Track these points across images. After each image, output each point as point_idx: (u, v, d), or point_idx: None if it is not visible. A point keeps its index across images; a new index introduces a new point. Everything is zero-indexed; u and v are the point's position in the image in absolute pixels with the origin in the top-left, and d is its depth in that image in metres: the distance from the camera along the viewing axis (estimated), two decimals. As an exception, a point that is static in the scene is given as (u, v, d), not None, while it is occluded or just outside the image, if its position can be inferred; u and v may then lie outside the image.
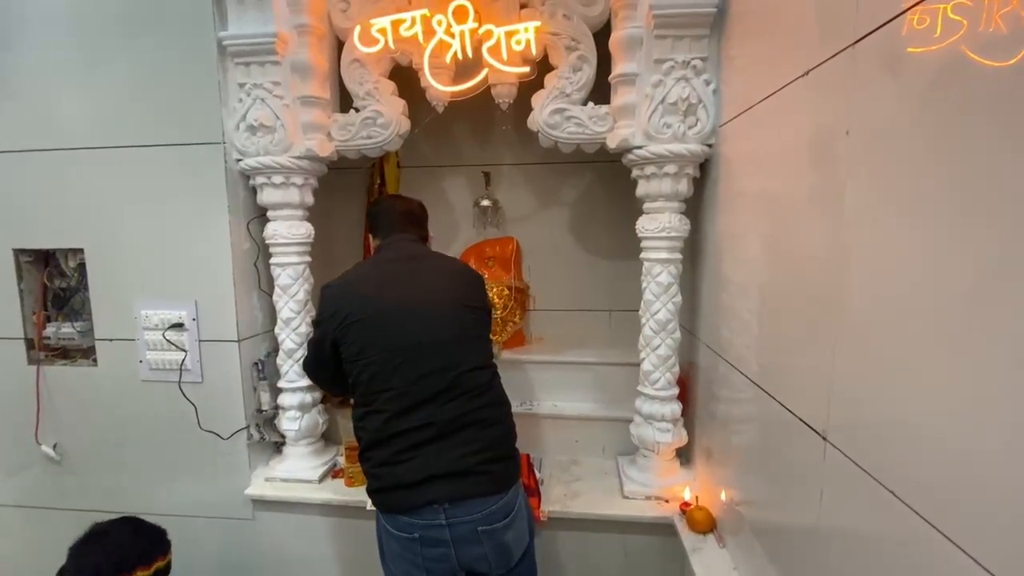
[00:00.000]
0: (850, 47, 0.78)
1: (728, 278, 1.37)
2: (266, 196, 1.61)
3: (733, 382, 1.30)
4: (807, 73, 0.91)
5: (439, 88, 1.58)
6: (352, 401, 1.32)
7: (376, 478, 1.23)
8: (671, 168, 1.45)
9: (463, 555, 1.19)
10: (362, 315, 1.26)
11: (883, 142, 0.72)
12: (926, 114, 0.64)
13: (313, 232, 1.69)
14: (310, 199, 1.68)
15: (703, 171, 1.52)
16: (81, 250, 1.68)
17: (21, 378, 1.73)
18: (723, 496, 1.38)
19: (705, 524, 1.42)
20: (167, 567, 1.33)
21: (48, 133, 1.62)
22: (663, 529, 1.52)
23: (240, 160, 1.59)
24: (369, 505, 1.32)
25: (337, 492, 1.65)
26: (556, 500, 1.59)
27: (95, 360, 1.71)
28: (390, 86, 1.62)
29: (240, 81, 1.55)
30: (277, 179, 1.58)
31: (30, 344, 1.74)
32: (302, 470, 1.70)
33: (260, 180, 1.60)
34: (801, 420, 0.93)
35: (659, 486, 1.58)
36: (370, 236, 1.52)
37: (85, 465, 1.76)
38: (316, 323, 1.39)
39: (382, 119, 1.58)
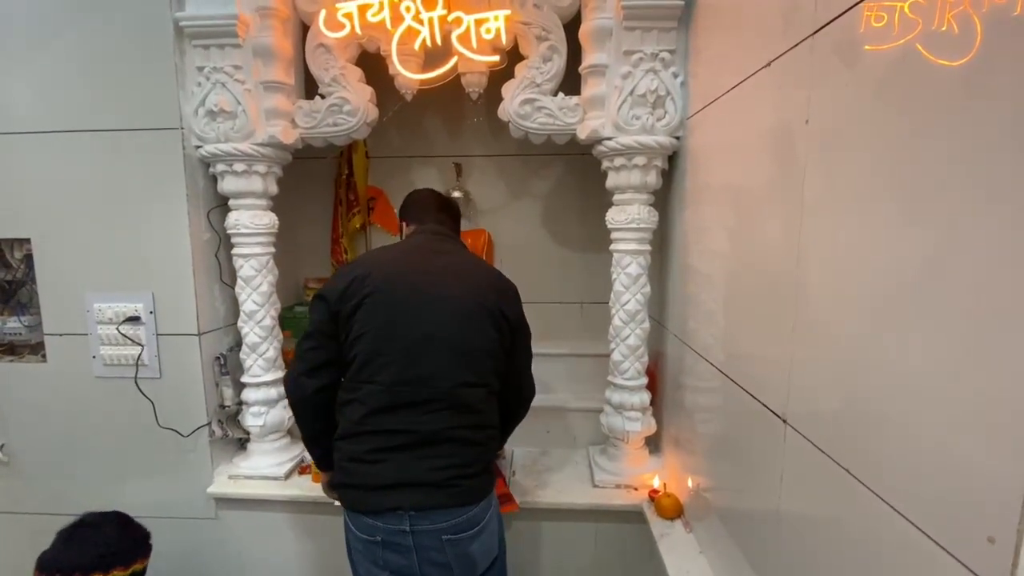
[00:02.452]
0: (809, 38, 0.80)
1: (695, 269, 1.39)
2: (227, 184, 1.56)
3: (700, 371, 1.33)
4: (769, 64, 0.93)
5: (408, 76, 1.55)
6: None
7: (344, 472, 1.18)
8: (640, 160, 1.46)
9: (424, 562, 1.14)
10: (376, 294, 1.16)
11: (840, 132, 0.74)
12: (881, 105, 0.66)
13: (277, 222, 1.64)
14: (274, 188, 1.63)
15: (671, 163, 1.54)
16: (28, 240, 1.59)
17: (-37, 376, 1.63)
18: (690, 483, 1.41)
19: (673, 510, 1.45)
20: (143, 571, 1.30)
21: (-11, 116, 1.53)
22: (632, 516, 1.54)
23: (200, 147, 1.53)
24: (337, 502, 1.29)
25: (304, 489, 1.61)
26: (527, 491, 1.60)
27: (44, 356, 1.62)
28: (357, 72, 1.58)
29: (199, 64, 1.49)
30: (239, 167, 1.53)
31: (-28, 340, 1.65)
32: (267, 467, 1.66)
33: (221, 168, 1.54)
34: (764, 405, 0.95)
35: (629, 474, 1.61)
36: (402, 223, 1.43)
37: (36, 467, 1.68)
38: (317, 296, 1.21)
39: (349, 106, 1.55)
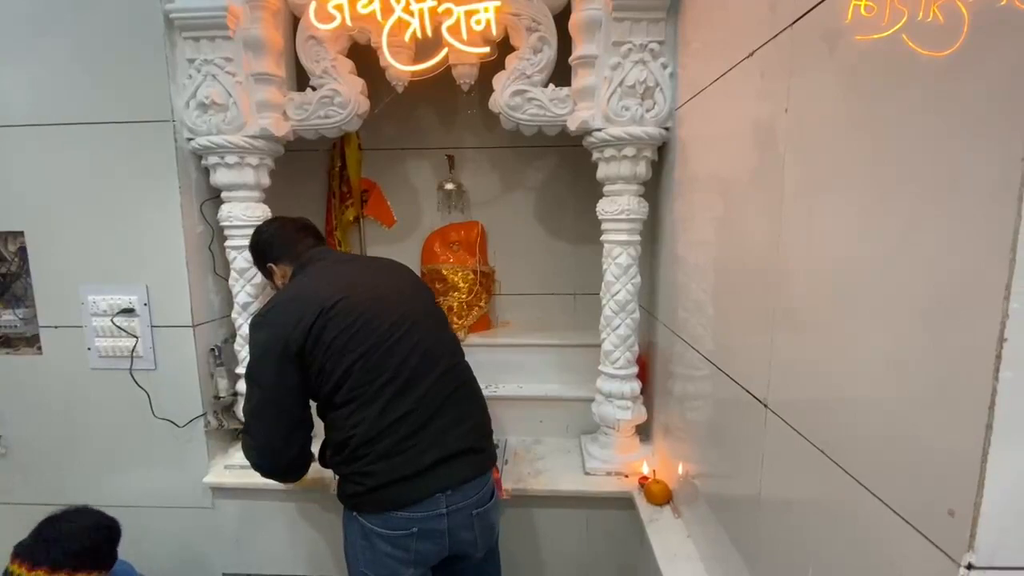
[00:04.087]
0: (790, 27, 0.81)
1: (683, 259, 1.41)
2: (219, 177, 1.57)
3: (689, 360, 1.35)
4: (752, 54, 0.94)
5: (399, 67, 1.55)
6: (322, 410, 1.23)
7: (369, 476, 1.15)
8: (630, 151, 1.47)
9: (455, 542, 1.19)
10: (337, 307, 1.16)
11: (818, 121, 0.75)
12: (858, 94, 0.67)
13: (270, 214, 1.65)
14: (266, 180, 1.64)
15: (661, 154, 1.55)
16: (21, 233, 1.59)
17: (-41, 368, 1.64)
18: (679, 469, 1.43)
19: (662, 496, 1.47)
20: None
21: (-20, 109, 1.53)
22: (623, 503, 1.57)
23: (192, 139, 1.54)
24: (333, 489, 1.31)
25: (299, 477, 1.63)
26: (520, 478, 1.62)
27: (40, 348, 1.64)
28: (348, 64, 1.59)
29: (190, 57, 1.49)
30: (231, 159, 1.54)
31: (-32, 332, 1.66)
32: (263, 456, 1.68)
33: (213, 160, 1.55)
34: (747, 391, 0.97)
35: (619, 462, 1.63)
36: (271, 267, 1.37)
37: (33, 458, 1.69)
38: (261, 357, 1.17)
39: (340, 98, 1.55)
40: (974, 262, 0.49)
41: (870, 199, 0.63)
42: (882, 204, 0.61)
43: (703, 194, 1.26)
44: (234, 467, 1.67)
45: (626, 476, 1.60)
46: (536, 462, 1.73)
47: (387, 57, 1.53)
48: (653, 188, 1.61)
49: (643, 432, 1.74)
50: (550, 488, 1.59)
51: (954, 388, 0.51)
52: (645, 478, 1.54)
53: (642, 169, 1.51)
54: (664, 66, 1.43)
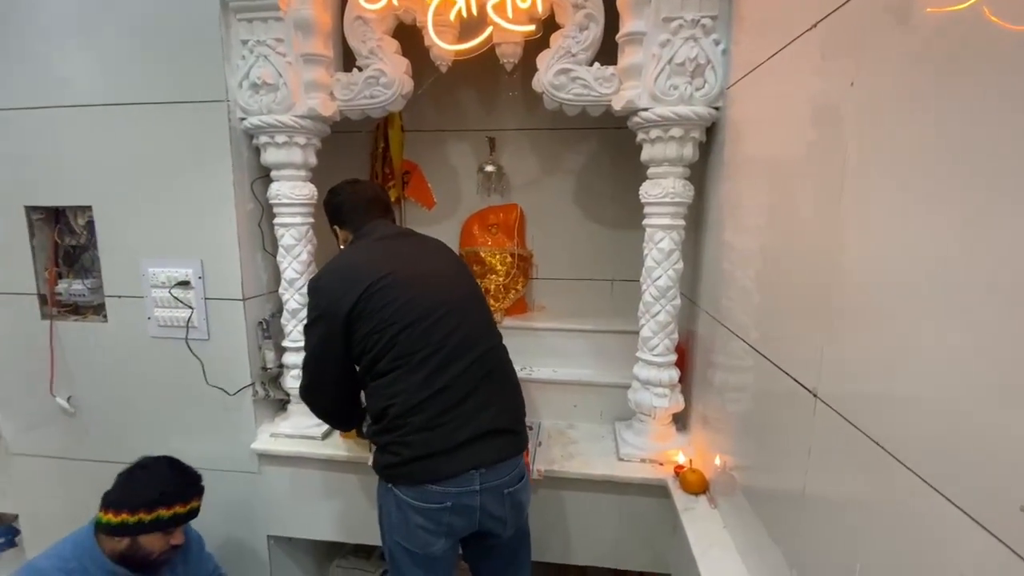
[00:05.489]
0: (859, -5, 0.76)
1: (730, 245, 1.36)
2: (269, 156, 1.62)
3: (732, 349, 1.31)
4: (815, 25, 0.88)
5: (443, 46, 1.55)
6: (365, 376, 1.28)
7: (407, 446, 1.18)
8: (676, 131, 1.42)
9: (485, 518, 1.22)
10: (383, 282, 1.23)
11: (888, 97, 0.70)
12: (936, 68, 0.62)
13: (316, 193, 1.69)
14: (313, 159, 1.68)
15: (709, 135, 1.49)
16: (89, 208, 1.70)
17: (35, 332, 1.77)
18: (717, 461, 1.40)
19: (698, 486, 1.44)
20: (198, 509, 1.42)
21: (55, 90, 1.62)
22: (656, 491, 1.55)
23: (244, 119, 1.59)
24: (370, 461, 1.35)
25: (339, 448, 1.69)
26: (553, 460, 1.63)
27: (105, 316, 1.75)
28: (393, 44, 1.60)
29: (243, 38, 1.54)
30: (280, 138, 1.58)
31: (43, 300, 1.78)
32: (306, 427, 1.75)
33: (263, 139, 1.60)
34: (794, 379, 0.93)
35: (654, 449, 1.61)
36: (336, 229, 1.47)
37: (98, 417, 1.82)
38: (316, 319, 1.28)
39: (385, 78, 1.56)
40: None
41: (941, 184, 0.59)
42: (954, 190, 0.57)
43: (754, 177, 1.21)
44: (279, 435, 1.75)
45: (661, 464, 1.58)
46: (569, 445, 1.73)
47: (432, 36, 1.53)
48: (699, 171, 1.56)
49: (679, 421, 1.71)
50: (583, 472, 1.58)
51: (1031, 379, 0.47)
52: (681, 467, 1.52)
53: (689, 151, 1.46)
54: (716, 42, 1.37)
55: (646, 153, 1.51)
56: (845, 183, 0.79)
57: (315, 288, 1.30)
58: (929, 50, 0.62)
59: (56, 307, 1.79)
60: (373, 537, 1.45)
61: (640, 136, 1.51)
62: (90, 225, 1.72)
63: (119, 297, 1.72)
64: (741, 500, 1.22)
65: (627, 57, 1.44)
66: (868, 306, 0.73)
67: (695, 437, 1.64)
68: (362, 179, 1.54)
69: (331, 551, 2.17)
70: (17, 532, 2.09)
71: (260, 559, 1.84)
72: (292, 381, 1.72)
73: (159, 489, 1.33)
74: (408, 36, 1.64)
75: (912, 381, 0.64)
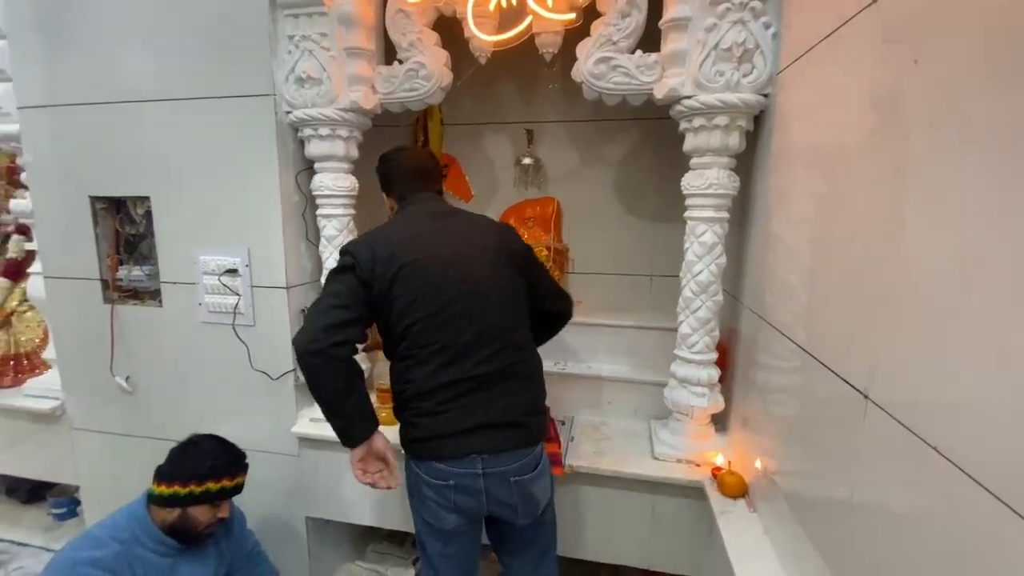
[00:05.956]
0: (927, -35, 0.70)
1: (778, 238, 1.30)
2: (313, 148, 1.66)
3: (777, 348, 1.25)
4: (875, 1, 0.82)
5: (482, 38, 1.55)
6: (387, 354, 1.33)
7: (416, 427, 1.26)
8: (721, 120, 1.37)
9: (492, 502, 1.25)
10: (411, 264, 1.22)
11: (959, 74, 0.64)
12: (1015, 41, 0.56)
13: (357, 185, 1.73)
14: (355, 152, 1.71)
15: (756, 124, 1.43)
16: (147, 198, 1.79)
17: (98, 315, 1.89)
18: (758, 463, 1.35)
19: (737, 489, 1.39)
20: (243, 484, 1.49)
21: (117, 86, 1.72)
22: (692, 492, 1.50)
23: (289, 112, 1.64)
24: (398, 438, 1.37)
25: (375, 435, 1.72)
26: (585, 456, 1.61)
27: (160, 301, 1.85)
28: (433, 36, 1.61)
29: (289, 33, 1.58)
30: (323, 131, 1.62)
31: (105, 285, 1.90)
32: (344, 413, 1.79)
33: (307, 132, 1.64)
34: (844, 380, 0.88)
35: (690, 450, 1.56)
36: (385, 196, 1.49)
37: (153, 397, 1.93)
38: (343, 266, 1.25)
39: (424, 71, 1.58)
40: None
41: (1017, 173, 0.53)
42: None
43: (806, 167, 1.15)
44: (319, 420, 1.79)
45: (697, 465, 1.53)
46: (602, 442, 1.70)
47: (471, 27, 1.53)
48: (745, 161, 1.49)
49: (718, 422, 1.65)
50: (615, 469, 1.56)
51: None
52: (719, 469, 1.47)
53: (734, 140, 1.40)
54: (766, 26, 1.31)
55: (689, 143, 1.46)
56: (907, 172, 0.73)
57: (347, 250, 1.27)
58: (1006, 21, 0.57)
59: (117, 292, 1.90)
60: (407, 524, 1.48)
61: (683, 125, 1.46)
62: (148, 214, 1.82)
63: (173, 283, 1.82)
64: (782, 505, 1.16)
65: (671, 43, 1.40)
66: (930, 305, 0.68)
67: (734, 438, 1.58)
68: (412, 147, 1.54)
69: (367, 535, 2.22)
70: (79, 503, 2.24)
71: (298, 539, 1.91)
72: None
73: (208, 463, 1.41)
74: (447, 28, 1.64)
75: (979, 385, 0.58)
